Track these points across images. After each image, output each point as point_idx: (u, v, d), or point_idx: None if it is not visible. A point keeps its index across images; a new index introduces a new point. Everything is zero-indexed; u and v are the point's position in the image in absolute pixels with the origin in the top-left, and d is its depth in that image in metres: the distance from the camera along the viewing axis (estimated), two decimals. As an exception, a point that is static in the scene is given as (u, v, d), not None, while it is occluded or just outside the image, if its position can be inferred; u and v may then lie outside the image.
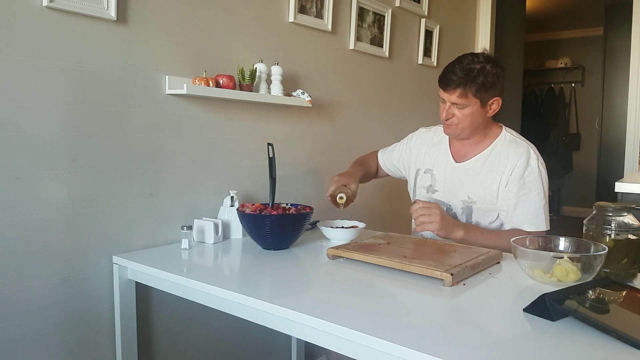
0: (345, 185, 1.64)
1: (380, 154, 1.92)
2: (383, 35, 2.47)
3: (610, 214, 1.20)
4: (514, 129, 1.66)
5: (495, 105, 1.55)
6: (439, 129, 1.73)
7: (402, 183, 2.42)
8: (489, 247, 1.42)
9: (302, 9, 2.01)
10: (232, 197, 1.67)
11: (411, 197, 1.79)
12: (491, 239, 1.50)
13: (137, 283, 1.45)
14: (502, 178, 1.54)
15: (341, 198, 1.62)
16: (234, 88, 1.65)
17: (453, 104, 1.52)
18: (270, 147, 1.56)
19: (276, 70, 1.80)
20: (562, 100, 6.18)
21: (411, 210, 1.48)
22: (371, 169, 1.91)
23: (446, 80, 1.50)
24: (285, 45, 1.97)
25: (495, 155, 1.58)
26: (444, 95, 1.53)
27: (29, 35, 1.27)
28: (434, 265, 1.20)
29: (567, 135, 6.14)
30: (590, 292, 1.05)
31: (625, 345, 0.83)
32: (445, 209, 1.61)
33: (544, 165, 1.57)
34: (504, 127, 1.65)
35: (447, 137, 1.69)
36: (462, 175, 1.61)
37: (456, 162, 1.64)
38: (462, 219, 1.60)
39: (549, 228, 1.54)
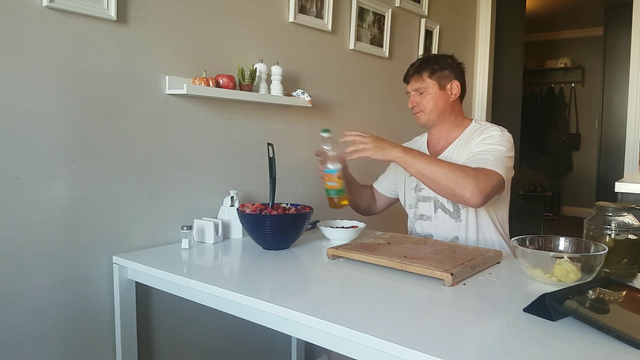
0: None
1: (373, 183, 1.93)
2: (383, 35, 2.47)
3: (610, 214, 1.20)
4: (513, 129, 1.69)
5: (455, 89, 1.67)
6: (417, 137, 1.83)
7: (402, 183, 2.40)
8: (428, 169, 1.41)
9: (302, 9, 2.01)
10: (232, 197, 1.67)
11: (403, 204, 1.82)
12: (432, 161, 1.45)
13: (137, 283, 1.45)
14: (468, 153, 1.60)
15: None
16: (234, 88, 1.65)
17: (415, 91, 1.68)
18: (270, 147, 1.56)
19: (276, 70, 1.80)
20: (562, 100, 6.18)
21: (351, 141, 1.46)
22: (366, 190, 1.90)
23: (406, 74, 1.72)
24: (285, 45, 1.97)
25: (463, 141, 1.65)
26: (407, 88, 1.71)
27: (29, 35, 1.27)
28: (434, 265, 1.20)
29: (567, 135, 6.15)
30: (590, 292, 1.05)
31: (625, 345, 0.83)
32: (433, 203, 1.67)
33: (510, 136, 1.59)
34: (475, 119, 1.73)
35: (426, 139, 1.78)
36: None
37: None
38: (449, 207, 1.64)
39: (503, 175, 1.48)
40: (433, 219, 1.68)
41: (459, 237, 1.63)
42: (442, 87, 1.65)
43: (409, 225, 1.80)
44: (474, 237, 1.62)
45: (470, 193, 1.39)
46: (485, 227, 1.63)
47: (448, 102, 1.66)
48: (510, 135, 1.59)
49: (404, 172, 1.77)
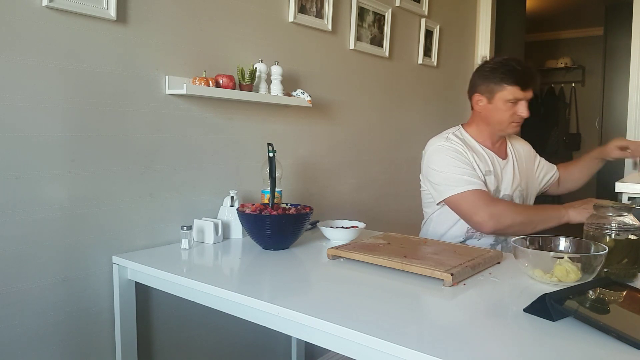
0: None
1: (481, 185, 1.64)
2: (383, 35, 2.47)
3: (611, 214, 1.20)
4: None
5: None
6: (451, 136, 1.71)
7: (400, 183, 2.43)
8: None
9: (302, 9, 2.01)
10: (232, 197, 1.67)
11: None
12: None
13: (137, 283, 1.45)
14: (535, 162, 1.89)
15: None
16: (234, 88, 1.65)
17: (527, 101, 1.66)
18: (270, 146, 1.56)
19: (276, 70, 1.80)
20: (562, 100, 6.17)
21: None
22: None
23: (530, 80, 1.64)
24: (285, 45, 1.97)
25: (511, 146, 1.81)
26: (524, 94, 1.64)
27: (28, 35, 1.27)
28: (434, 265, 1.20)
29: (567, 135, 6.14)
30: (591, 292, 1.04)
31: (625, 345, 0.83)
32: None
33: None
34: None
35: (474, 140, 1.73)
36: (509, 170, 1.76)
37: (502, 159, 1.77)
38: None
39: None
40: None
41: None
42: None
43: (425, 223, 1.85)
44: None
45: None
46: None
47: None
48: None
49: (479, 168, 1.67)
